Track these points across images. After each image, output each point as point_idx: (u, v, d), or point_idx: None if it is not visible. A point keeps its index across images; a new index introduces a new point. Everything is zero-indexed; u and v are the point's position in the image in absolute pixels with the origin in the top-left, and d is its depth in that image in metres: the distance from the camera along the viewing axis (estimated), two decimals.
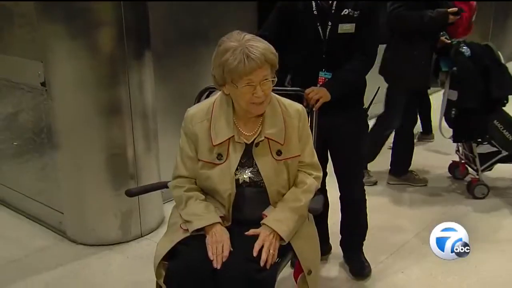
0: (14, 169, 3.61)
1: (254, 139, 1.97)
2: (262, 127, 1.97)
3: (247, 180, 1.97)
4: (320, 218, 2.83)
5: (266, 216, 1.96)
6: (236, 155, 1.96)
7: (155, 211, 3.42)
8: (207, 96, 2.33)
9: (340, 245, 2.97)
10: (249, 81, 1.84)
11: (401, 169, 4.06)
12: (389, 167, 4.08)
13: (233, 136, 1.96)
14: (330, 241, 3.03)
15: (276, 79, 1.93)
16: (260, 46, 1.84)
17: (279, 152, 1.97)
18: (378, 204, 3.67)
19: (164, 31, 3.48)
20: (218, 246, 1.84)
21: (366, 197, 2.86)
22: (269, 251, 1.84)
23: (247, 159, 1.98)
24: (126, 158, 3.16)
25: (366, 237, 2.93)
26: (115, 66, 3.01)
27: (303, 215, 2.00)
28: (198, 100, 2.35)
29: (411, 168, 4.09)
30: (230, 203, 1.97)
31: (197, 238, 1.90)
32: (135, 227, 3.28)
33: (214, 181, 1.96)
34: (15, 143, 3.51)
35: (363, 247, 2.93)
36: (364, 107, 2.73)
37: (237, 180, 1.96)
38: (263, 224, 1.92)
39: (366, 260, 2.90)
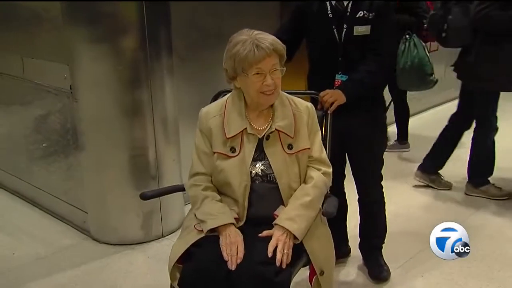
0: (42, 169, 3.70)
1: (265, 133, 1.99)
2: (272, 120, 2.01)
3: (260, 173, 1.98)
4: (339, 220, 2.82)
5: (278, 216, 1.95)
6: (250, 146, 1.98)
7: (176, 212, 3.45)
8: None
9: (359, 248, 2.94)
10: (259, 69, 1.90)
11: (431, 167, 3.97)
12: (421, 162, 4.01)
13: (246, 128, 1.98)
14: (350, 244, 3.00)
15: (285, 69, 1.98)
16: (268, 38, 1.92)
17: (290, 146, 1.99)
18: (404, 207, 3.65)
19: (186, 34, 3.52)
20: (232, 247, 1.84)
21: (387, 200, 2.83)
22: (284, 250, 1.84)
23: (259, 153, 2.00)
24: (148, 159, 3.20)
25: (386, 240, 2.89)
26: (138, 69, 3.06)
27: (314, 211, 1.99)
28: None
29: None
30: (246, 196, 1.96)
31: (211, 240, 1.90)
32: (156, 228, 3.32)
33: (228, 174, 1.97)
34: (43, 145, 3.60)
35: (383, 250, 2.90)
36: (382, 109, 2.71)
37: (250, 173, 1.97)
38: (276, 224, 1.92)
39: (385, 263, 2.86)
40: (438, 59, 4.46)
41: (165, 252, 3.16)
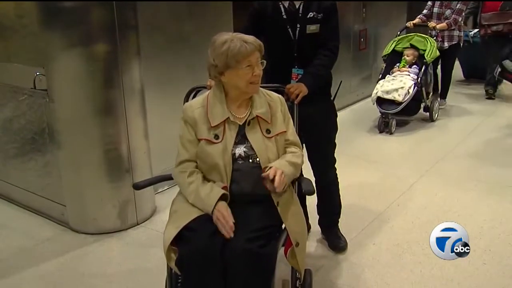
0: (18, 168, 3.70)
1: (246, 120, 2.18)
2: (252, 108, 2.19)
3: (242, 154, 2.15)
4: (299, 200, 3.03)
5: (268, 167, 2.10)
6: (231, 133, 2.15)
7: (148, 201, 3.56)
8: (194, 96, 2.48)
9: (319, 224, 3.17)
10: (249, 62, 2.09)
11: None
12: None
13: (228, 117, 2.16)
14: (310, 221, 3.19)
15: (265, 61, 2.17)
16: (249, 36, 2.13)
17: (268, 131, 2.18)
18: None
19: (152, 37, 3.64)
20: (223, 221, 1.99)
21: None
22: (282, 176, 2.03)
23: (240, 138, 2.17)
24: (121, 153, 3.30)
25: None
26: (110, 70, 3.15)
27: (296, 171, 2.20)
28: (186, 99, 2.47)
29: None
30: (229, 176, 2.12)
31: (201, 223, 2.03)
32: (132, 216, 3.42)
33: (214, 157, 2.11)
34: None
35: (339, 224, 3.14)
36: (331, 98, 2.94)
37: (233, 155, 2.14)
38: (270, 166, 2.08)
39: (342, 235, 3.10)
40: None
41: (141, 238, 3.32)
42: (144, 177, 3.25)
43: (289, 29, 2.72)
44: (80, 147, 3.22)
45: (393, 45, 5.66)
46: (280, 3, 2.72)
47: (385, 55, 5.69)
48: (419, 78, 5.29)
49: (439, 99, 6.01)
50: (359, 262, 2.95)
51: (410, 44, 5.57)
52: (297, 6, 2.71)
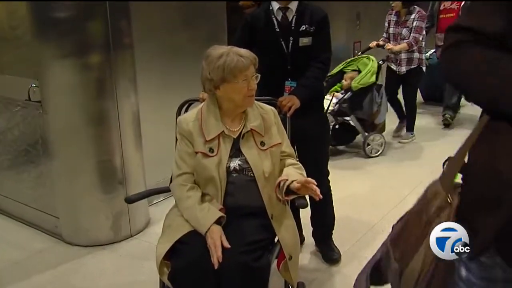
0: (11, 179, 3.69)
1: (240, 133, 2.17)
2: (246, 121, 2.19)
3: (237, 167, 2.14)
4: (293, 212, 3.03)
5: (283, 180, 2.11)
6: (226, 147, 2.14)
7: (142, 213, 3.55)
8: (187, 109, 2.48)
9: (312, 235, 3.17)
10: (246, 76, 2.09)
11: None
12: None
13: (223, 131, 2.15)
14: (304, 233, 3.20)
15: (259, 75, 2.18)
16: (243, 50, 2.12)
17: (262, 143, 2.18)
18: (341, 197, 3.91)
19: (145, 47, 3.64)
20: (213, 247, 1.95)
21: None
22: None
23: (235, 151, 2.16)
24: (115, 165, 3.29)
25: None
26: (103, 81, 3.15)
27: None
28: (179, 113, 2.47)
29: None
30: (223, 189, 2.12)
31: (193, 237, 2.02)
32: (125, 228, 3.41)
33: (210, 170, 2.10)
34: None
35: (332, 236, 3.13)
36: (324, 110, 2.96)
37: (228, 168, 2.13)
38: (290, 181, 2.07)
39: (336, 247, 3.10)
40: None
41: (135, 250, 3.30)
42: (137, 188, 3.26)
43: (282, 42, 2.73)
44: (73, 159, 3.22)
45: (341, 66, 5.04)
46: (272, 16, 2.74)
47: (329, 76, 4.89)
48: (337, 105, 4.72)
49: (404, 132, 5.46)
50: (353, 274, 2.84)
51: (358, 67, 4.96)
52: (289, 19, 2.73)
